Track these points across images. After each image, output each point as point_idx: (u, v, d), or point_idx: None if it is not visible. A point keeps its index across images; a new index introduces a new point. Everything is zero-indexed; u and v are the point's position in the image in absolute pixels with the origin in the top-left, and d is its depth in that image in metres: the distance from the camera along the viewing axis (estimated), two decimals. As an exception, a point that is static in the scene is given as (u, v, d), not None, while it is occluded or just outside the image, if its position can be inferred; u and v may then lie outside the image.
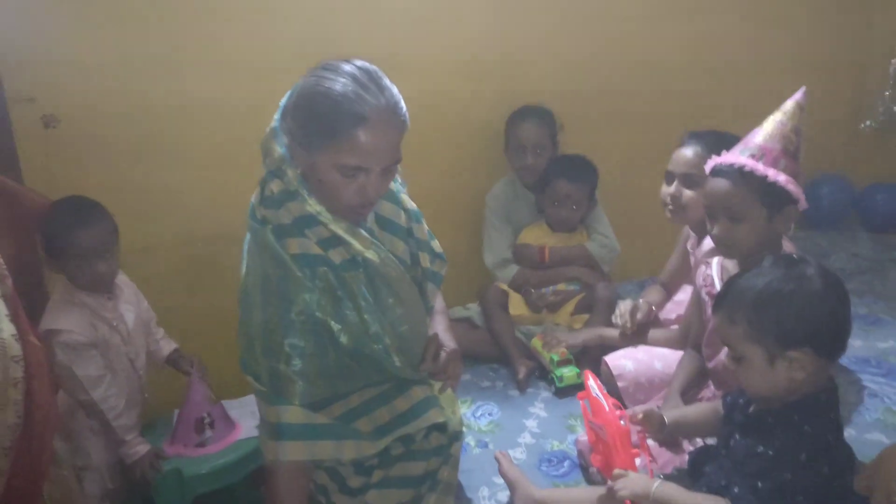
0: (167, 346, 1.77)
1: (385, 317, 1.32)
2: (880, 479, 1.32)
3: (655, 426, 1.42)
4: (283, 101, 1.29)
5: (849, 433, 1.75)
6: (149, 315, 1.74)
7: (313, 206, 1.27)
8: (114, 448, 1.57)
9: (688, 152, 1.84)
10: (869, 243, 3.17)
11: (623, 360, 1.89)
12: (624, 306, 2.02)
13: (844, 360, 2.13)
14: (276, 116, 1.29)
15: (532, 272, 2.40)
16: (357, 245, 1.29)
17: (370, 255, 1.30)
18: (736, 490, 1.15)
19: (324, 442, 1.31)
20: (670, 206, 1.88)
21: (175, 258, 2.05)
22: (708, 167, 1.51)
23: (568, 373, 2.06)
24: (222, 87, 1.99)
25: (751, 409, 1.23)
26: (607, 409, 1.43)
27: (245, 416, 1.72)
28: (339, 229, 1.28)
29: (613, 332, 2.03)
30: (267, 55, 2.01)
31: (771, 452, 1.13)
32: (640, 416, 1.42)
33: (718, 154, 1.52)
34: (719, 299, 1.22)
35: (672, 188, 1.86)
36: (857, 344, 2.27)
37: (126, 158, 1.92)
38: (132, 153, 1.94)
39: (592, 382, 1.51)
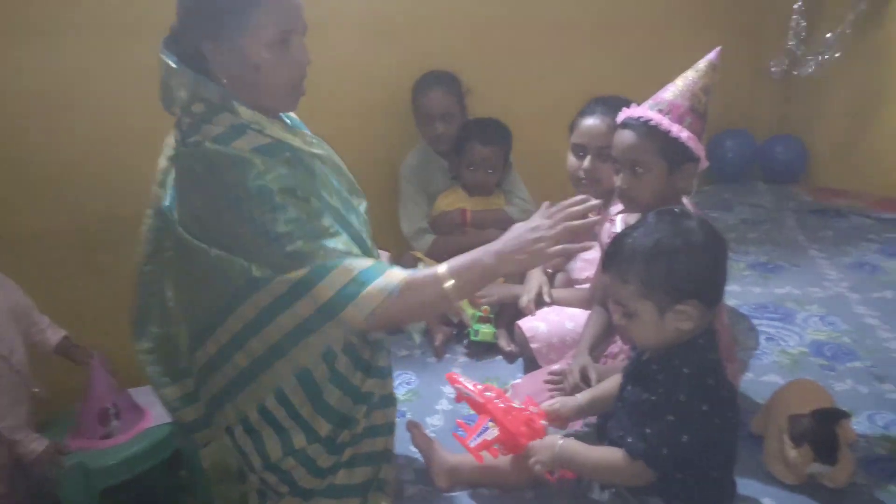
0: (54, 335, 1.66)
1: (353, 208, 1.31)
2: (772, 417, 1.51)
3: (572, 414, 1.43)
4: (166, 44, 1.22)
5: (747, 377, 1.85)
6: (25, 304, 1.62)
7: (245, 114, 1.21)
8: (4, 450, 1.49)
9: (599, 125, 1.84)
10: (768, 195, 3.31)
11: (535, 322, 1.93)
12: (531, 285, 2.01)
13: (744, 308, 2.24)
14: (165, 57, 1.21)
15: (450, 240, 2.37)
16: (300, 142, 1.26)
17: (317, 150, 1.28)
18: (630, 440, 1.19)
19: (378, 282, 1.21)
20: (584, 181, 1.88)
21: (69, 242, 1.94)
22: (619, 118, 1.52)
23: (485, 329, 2.09)
24: (104, 51, 1.87)
25: (643, 357, 1.27)
26: (481, 400, 1.43)
27: (154, 403, 1.62)
28: (277, 132, 1.23)
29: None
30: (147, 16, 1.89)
31: (654, 398, 1.17)
32: (556, 407, 1.41)
33: None
34: (609, 259, 1.24)
35: (587, 163, 1.86)
36: (756, 291, 2.36)
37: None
38: (5, 135, 1.81)
39: (457, 386, 1.50)
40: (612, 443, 1.26)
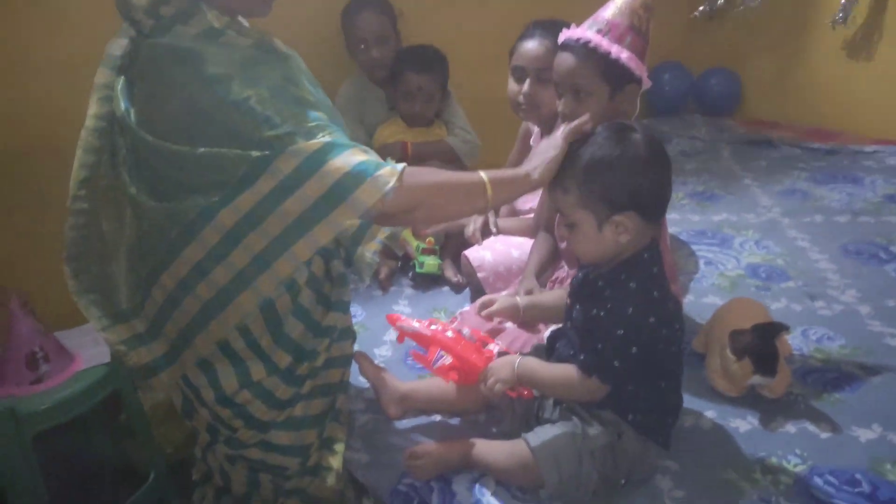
0: None
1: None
2: (714, 335, 1.55)
3: (511, 313, 1.45)
4: None
5: (688, 299, 1.90)
6: None
7: (218, 21, 1.16)
8: None
9: (539, 47, 1.79)
10: (705, 127, 3.34)
11: (482, 252, 1.92)
12: (475, 224, 1.98)
13: (683, 235, 2.28)
14: None
15: None
16: (280, 44, 1.24)
17: (292, 52, 1.27)
18: (582, 357, 1.21)
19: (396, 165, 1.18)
20: (524, 106, 1.84)
21: (-18, 179, 1.84)
22: (560, 39, 1.48)
23: (430, 261, 2.06)
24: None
25: (587, 276, 1.28)
26: (428, 333, 1.41)
27: (85, 346, 1.59)
28: (254, 34, 1.20)
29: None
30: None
31: (602, 313, 1.19)
32: (496, 308, 1.44)
33: None
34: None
35: (526, 86, 1.81)
36: (695, 219, 2.42)
37: None
38: None
39: (400, 324, 1.46)
40: (563, 362, 1.27)
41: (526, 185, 1.26)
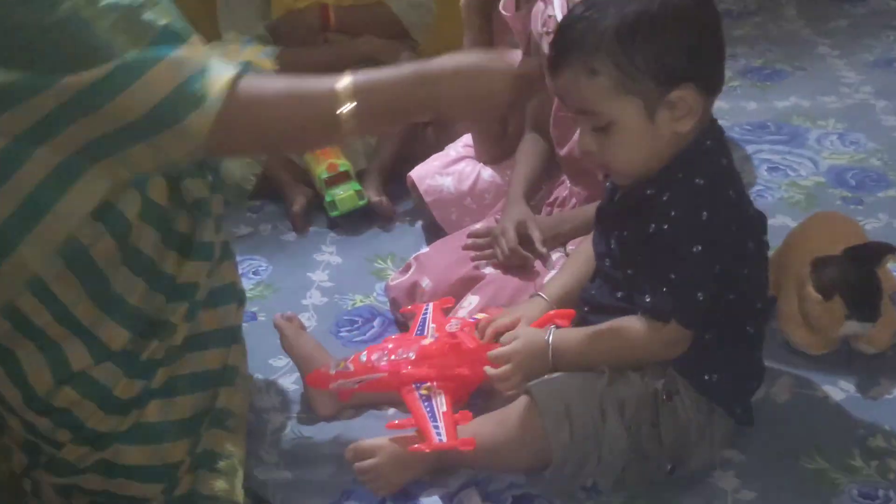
0: None
1: None
2: (788, 268, 1.52)
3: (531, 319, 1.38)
4: None
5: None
6: None
7: None
8: None
9: None
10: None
11: (440, 178, 1.88)
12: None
13: (735, 131, 2.21)
14: None
15: (303, 53, 2.18)
16: None
17: None
18: (647, 298, 1.16)
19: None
20: None
21: None
22: None
23: (342, 194, 1.96)
24: None
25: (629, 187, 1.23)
26: (384, 370, 1.40)
27: None
28: None
29: None
30: None
31: (666, 226, 1.14)
32: (501, 322, 1.39)
33: None
34: (561, 47, 1.16)
35: None
36: (750, 107, 2.34)
37: None
38: None
39: (335, 385, 1.43)
40: (602, 314, 1.27)
41: (421, 94, 1.19)
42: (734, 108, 2.38)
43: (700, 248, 1.11)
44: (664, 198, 1.15)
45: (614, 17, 1.11)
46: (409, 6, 2.25)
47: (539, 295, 1.39)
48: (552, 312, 1.33)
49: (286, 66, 2.05)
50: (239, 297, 1.34)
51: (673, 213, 1.13)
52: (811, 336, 1.45)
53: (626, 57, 1.10)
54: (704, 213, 1.12)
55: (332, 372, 1.38)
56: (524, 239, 1.55)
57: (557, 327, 1.29)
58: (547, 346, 1.24)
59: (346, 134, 1.15)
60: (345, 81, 1.15)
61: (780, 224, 1.80)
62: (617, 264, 1.26)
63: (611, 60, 1.11)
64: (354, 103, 1.14)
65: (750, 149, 2.15)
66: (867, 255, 1.41)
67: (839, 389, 1.40)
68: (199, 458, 1.28)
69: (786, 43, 2.78)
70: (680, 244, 1.13)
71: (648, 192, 1.17)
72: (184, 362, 1.27)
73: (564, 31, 1.16)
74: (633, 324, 1.18)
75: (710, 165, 1.17)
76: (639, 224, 1.18)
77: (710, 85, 1.16)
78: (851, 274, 1.39)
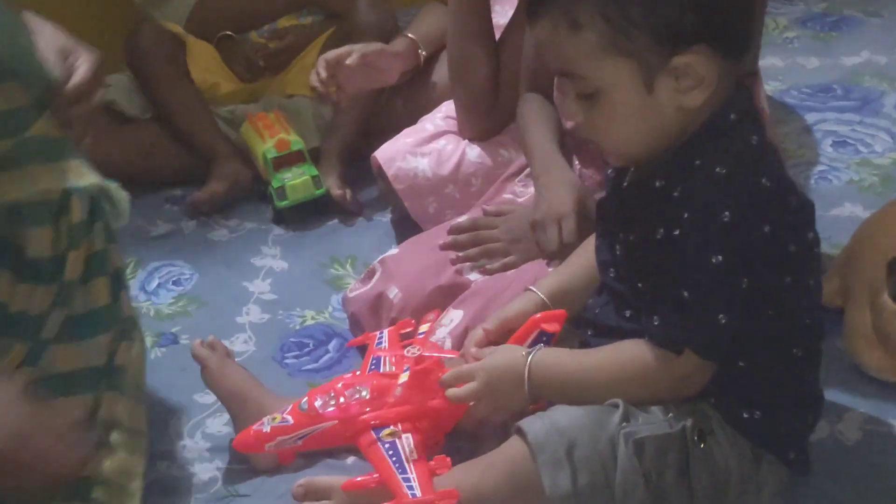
0: None
1: None
2: (858, 271, 1.49)
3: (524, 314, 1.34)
4: None
5: (804, 213, 1.69)
6: None
7: None
8: None
9: None
10: None
11: (413, 160, 1.78)
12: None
13: (791, 95, 2.10)
14: None
15: (226, 4, 2.10)
16: None
17: None
18: (656, 322, 1.10)
19: None
20: None
21: None
22: None
23: (294, 181, 1.82)
24: None
25: (634, 177, 1.18)
26: (332, 414, 1.35)
27: None
28: None
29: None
30: None
31: (677, 232, 1.07)
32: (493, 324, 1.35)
33: None
34: None
35: None
36: (811, 64, 2.25)
37: None
38: None
39: (271, 445, 1.37)
40: (602, 338, 1.21)
41: None
42: (790, 66, 2.30)
43: (721, 258, 1.05)
44: (675, 193, 1.10)
45: None
46: None
47: (531, 290, 1.33)
48: (538, 316, 1.29)
49: (210, 13, 2.28)
50: (122, 325, 1.28)
51: (686, 215, 1.07)
52: (888, 358, 1.38)
53: (617, 6, 1.06)
54: (727, 213, 1.05)
55: (266, 429, 1.33)
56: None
57: (545, 335, 1.29)
58: (524, 368, 1.21)
59: None
60: None
61: (848, 214, 1.76)
62: (624, 276, 1.21)
63: (598, 11, 1.07)
64: None
65: (810, 118, 2.06)
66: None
67: (923, 427, 1.25)
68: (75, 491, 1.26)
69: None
70: (695, 254, 1.07)
71: (657, 184, 1.12)
72: (54, 358, 1.25)
73: None
74: (639, 351, 1.14)
75: (736, 148, 1.10)
76: (646, 227, 1.14)
77: (731, 46, 1.10)
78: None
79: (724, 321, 1.06)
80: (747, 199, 1.06)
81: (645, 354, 1.12)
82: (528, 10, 1.13)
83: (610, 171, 1.24)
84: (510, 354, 1.22)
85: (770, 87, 2.10)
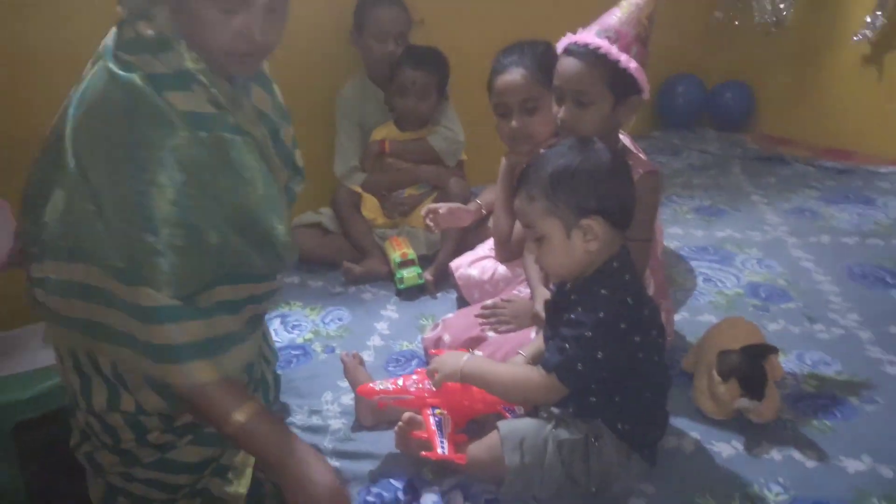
0: None
1: None
2: (703, 354, 1.53)
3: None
4: None
5: (682, 316, 1.86)
6: None
7: (193, 63, 1.05)
8: None
9: (516, 78, 1.66)
10: (717, 142, 3.31)
11: (469, 269, 1.93)
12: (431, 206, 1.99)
13: (684, 250, 2.25)
14: None
15: (379, 178, 2.32)
16: (240, 117, 1.10)
17: (255, 129, 1.13)
18: (547, 354, 1.20)
19: (231, 352, 1.12)
20: (517, 140, 1.69)
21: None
22: (560, 46, 1.42)
23: (408, 274, 2.06)
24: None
25: (561, 290, 1.27)
26: (410, 396, 1.34)
27: (36, 346, 1.52)
28: (221, 95, 1.07)
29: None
30: None
31: (573, 316, 1.18)
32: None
33: (544, 69, 1.55)
34: (521, 181, 1.23)
35: (514, 122, 1.67)
36: (698, 234, 2.39)
37: None
38: None
39: (378, 397, 1.37)
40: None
41: None
42: (686, 234, 2.42)
43: (590, 334, 1.16)
44: (579, 300, 1.21)
45: (551, 165, 1.19)
46: (442, 139, 2.35)
47: (520, 353, 1.39)
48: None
49: (370, 185, 2.32)
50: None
51: (580, 309, 1.19)
52: (714, 406, 1.44)
53: (552, 191, 1.18)
54: (602, 312, 1.17)
55: (378, 388, 1.39)
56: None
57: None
58: (460, 363, 1.25)
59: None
60: (241, 417, 1.12)
61: (705, 320, 1.83)
62: (549, 335, 1.28)
63: (543, 192, 1.19)
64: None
65: (693, 264, 2.18)
66: (758, 351, 1.41)
67: (731, 447, 1.38)
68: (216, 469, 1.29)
69: (730, 190, 2.83)
70: (578, 328, 1.17)
71: (573, 297, 1.23)
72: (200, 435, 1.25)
73: (524, 172, 1.24)
74: (532, 371, 1.22)
75: (615, 281, 1.21)
76: (562, 312, 1.23)
77: (616, 220, 1.20)
78: (746, 364, 1.39)
79: (580, 368, 1.16)
80: (616, 308, 1.17)
81: (533, 373, 1.20)
82: (516, 188, 1.24)
83: (552, 286, 1.35)
84: (452, 359, 1.26)
85: (672, 245, 2.29)
